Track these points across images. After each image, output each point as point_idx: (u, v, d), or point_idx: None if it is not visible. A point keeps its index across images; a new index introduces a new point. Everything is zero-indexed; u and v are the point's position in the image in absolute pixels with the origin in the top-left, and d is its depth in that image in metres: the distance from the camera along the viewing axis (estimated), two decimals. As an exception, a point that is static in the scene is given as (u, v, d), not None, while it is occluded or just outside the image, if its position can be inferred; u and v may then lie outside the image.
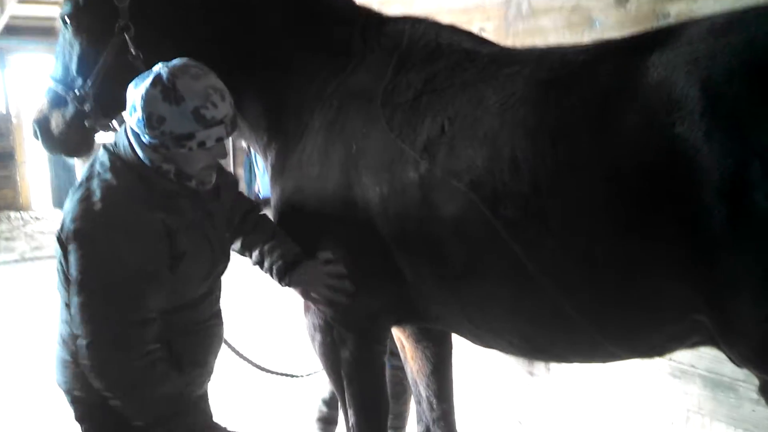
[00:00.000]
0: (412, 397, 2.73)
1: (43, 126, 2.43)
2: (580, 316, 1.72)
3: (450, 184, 1.83)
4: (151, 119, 1.82)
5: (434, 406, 2.62)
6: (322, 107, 2.21)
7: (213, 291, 2.19)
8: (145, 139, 1.87)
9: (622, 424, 3.00)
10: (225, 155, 1.96)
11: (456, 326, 2.18)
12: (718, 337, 1.59)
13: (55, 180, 10.22)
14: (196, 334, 2.12)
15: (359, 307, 2.17)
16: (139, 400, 1.93)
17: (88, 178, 1.97)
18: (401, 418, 3.48)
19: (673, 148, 1.47)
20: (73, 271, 1.87)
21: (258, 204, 2.37)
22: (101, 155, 2.01)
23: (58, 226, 1.97)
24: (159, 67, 1.87)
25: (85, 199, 1.91)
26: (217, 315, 2.22)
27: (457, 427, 2.69)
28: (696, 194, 1.44)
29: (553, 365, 3.28)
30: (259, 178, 6.39)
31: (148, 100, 1.82)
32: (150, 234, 1.90)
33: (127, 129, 1.94)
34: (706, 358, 2.63)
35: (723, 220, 1.42)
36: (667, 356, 2.76)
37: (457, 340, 2.47)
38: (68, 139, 2.44)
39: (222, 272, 2.21)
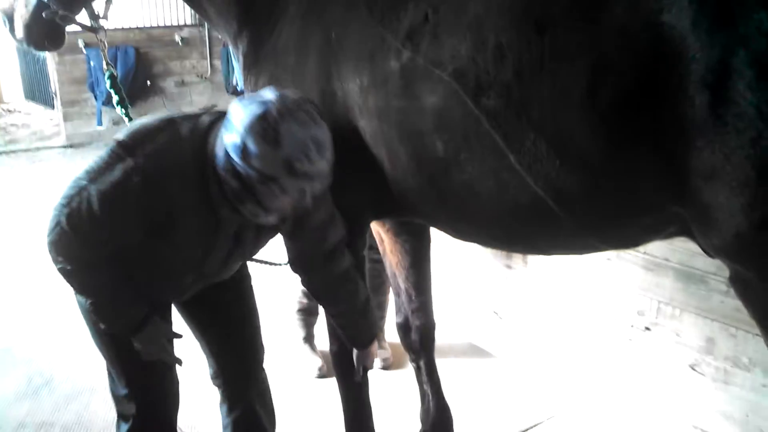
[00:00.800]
0: (391, 289, 2.78)
1: (9, 16, 2.34)
2: (560, 208, 1.73)
3: (433, 73, 1.79)
4: (244, 149, 1.73)
5: (413, 297, 2.67)
6: None
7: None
8: (233, 159, 1.77)
9: (595, 315, 3.09)
10: (306, 207, 1.86)
11: (435, 219, 2.18)
12: (694, 227, 1.61)
13: (27, 73, 9.92)
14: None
15: (339, 202, 2.16)
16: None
17: (182, 126, 1.92)
18: (380, 309, 3.57)
19: (659, 36, 1.44)
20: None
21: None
22: (205, 120, 1.94)
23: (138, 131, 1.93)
24: (272, 99, 1.76)
25: (167, 132, 1.89)
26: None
27: (435, 317, 2.75)
28: (680, 84, 1.43)
29: (531, 258, 3.34)
30: (236, 71, 6.25)
31: (248, 130, 1.72)
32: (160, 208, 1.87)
33: (222, 135, 1.84)
34: (680, 251, 2.68)
35: (705, 110, 1.41)
36: (642, 249, 2.82)
37: (435, 233, 2.49)
38: (32, 31, 2.34)
39: (208, 280, 2.18)
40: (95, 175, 1.83)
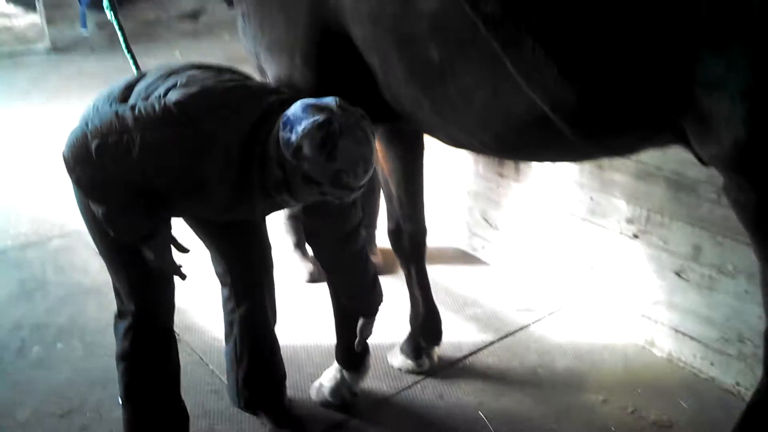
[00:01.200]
0: (383, 195, 2.78)
1: None
2: (557, 117, 1.70)
3: None
4: (298, 150, 1.79)
5: (405, 204, 2.67)
6: None
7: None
8: (284, 153, 1.82)
9: (584, 223, 3.11)
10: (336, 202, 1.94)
11: (428, 126, 2.15)
12: (691, 136, 1.60)
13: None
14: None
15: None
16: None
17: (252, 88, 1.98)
18: (372, 216, 3.58)
19: None
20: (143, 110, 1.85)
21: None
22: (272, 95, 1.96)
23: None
24: (336, 110, 1.81)
25: (222, 87, 1.92)
26: None
27: (426, 224, 2.77)
28: None
29: (523, 166, 3.33)
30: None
31: (306, 136, 1.78)
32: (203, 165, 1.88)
33: (280, 128, 1.85)
34: (672, 160, 2.67)
35: (711, 15, 1.38)
36: (634, 158, 2.81)
37: (428, 139, 2.47)
38: None
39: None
40: (145, 123, 1.82)
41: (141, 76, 2.10)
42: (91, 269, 3.62)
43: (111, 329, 3.08)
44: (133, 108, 1.85)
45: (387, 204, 2.75)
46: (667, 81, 1.52)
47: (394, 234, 2.75)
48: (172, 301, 2.27)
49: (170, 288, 2.23)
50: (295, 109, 1.83)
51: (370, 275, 2.32)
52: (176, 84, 1.92)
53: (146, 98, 1.94)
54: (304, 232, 2.26)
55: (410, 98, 2.00)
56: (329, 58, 2.07)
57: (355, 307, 2.41)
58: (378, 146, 2.59)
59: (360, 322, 2.40)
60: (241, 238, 2.36)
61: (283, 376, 2.58)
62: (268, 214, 2.24)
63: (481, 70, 1.76)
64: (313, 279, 3.50)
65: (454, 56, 1.79)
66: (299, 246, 3.63)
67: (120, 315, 2.25)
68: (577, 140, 1.78)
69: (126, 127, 1.81)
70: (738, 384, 2.67)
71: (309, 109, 1.81)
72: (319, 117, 1.78)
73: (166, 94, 1.89)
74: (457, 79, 1.83)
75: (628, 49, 1.53)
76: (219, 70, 2.06)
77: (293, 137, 1.78)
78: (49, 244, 3.92)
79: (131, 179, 1.87)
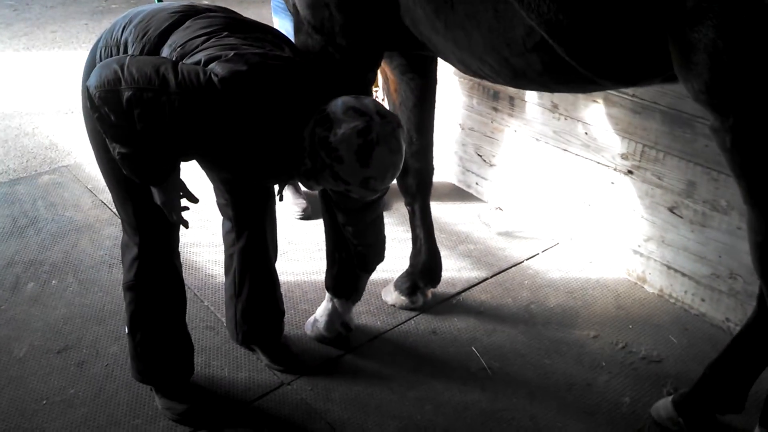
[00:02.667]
0: None
1: None
2: (554, 42, 1.69)
3: None
4: (334, 151, 1.80)
5: (414, 139, 2.64)
6: None
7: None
8: (318, 148, 1.83)
9: (579, 158, 3.09)
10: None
11: (444, 52, 2.13)
12: (677, 68, 1.60)
13: None
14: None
15: (356, 36, 2.13)
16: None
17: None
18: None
19: None
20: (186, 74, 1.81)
21: None
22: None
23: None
24: (375, 117, 1.82)
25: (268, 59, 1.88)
26: None
27: (434, 162, 2.77)
28: None
29: (517, 101, 3.28)
30: None
31: (344, 140, 1.79)
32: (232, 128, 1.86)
33: (317, 124, 1.84)
34: (669, 95, 2.64)
35: None
36: (631, 92, 2.77)
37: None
38: None
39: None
40: (186, 90, 1.78)
41: (176, 12, 2.04)
42: (83, 205, 3.60)
43: (105, 266, 3.14)
44: (175, 68, 1.81)
45: None
46: (657, 10, 1.52)
47: (401, 170, 2.73)
48: (176, 236, 2.27)
49: (175, 224, 2.23)
50: (336, 108, 1.83)
51: (381, 239, 2.40)
52: (220, 56, 1.86)
53: (183, 55, 1.90)
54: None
55: (426, 21, 2.00)
56: None
57: (360, 260, 2.47)
58: (390, 77, 2.55)
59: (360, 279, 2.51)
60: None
61: (282, 312, 2.61)
62: (286, 183, 2.26)
63: None
64: (306, 216, 3.49)
65: None
66: (291, 183, 3.60)
67: (126, 245, 2.26)
68: (576, 67, 1.77)
69: (165, 88, 1.79)
70: (728, 320, 2.71)
71: (350, 112, 1.81)
72: (360, 123, 1.79)
73: (208, 62, 1.84)
74: (464, 2, 1.84)
75: None
76: (257, 38, 2.01)
77: (331, 138, 1.79)
78: (39, 180, 3.88)
79: (156, 131, 1.85)
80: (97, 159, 2.16)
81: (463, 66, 2.12)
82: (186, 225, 2.12)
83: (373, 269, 2.52)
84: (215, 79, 1.79)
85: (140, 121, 1.81)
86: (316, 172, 1.88)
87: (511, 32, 1.79)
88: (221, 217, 2.50)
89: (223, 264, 2.56)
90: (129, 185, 2.09)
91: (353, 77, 2.20)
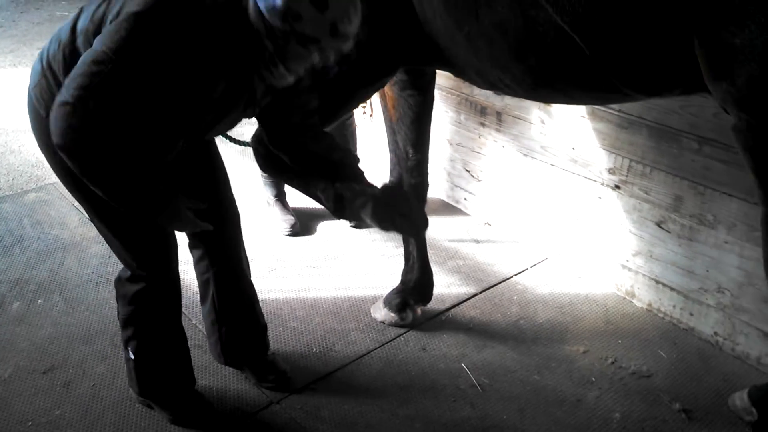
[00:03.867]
0: (388, 146, 2.75)
1: None
2: (586, 46, 1.73)
3: None
4: (287, 13, 1.70)
5: (410, 155, 2.65)
6: None
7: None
8: (270, 22, 1.73)
9: (566, 173, 3.10)
10: (325, 62, 1.86)
11: (461, 62, 2.15)
12: (706, 72, 1.63)
13: None
14: None
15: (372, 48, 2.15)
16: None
17: None
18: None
19: None
20: (108, 39, 1.73)
21: None
22: None
23: None
24: None
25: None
26: None
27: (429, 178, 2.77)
28: None
29: (504, 115, 3.29)
30: None
31: None
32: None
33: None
34: (655, 109, 2.65)
35: None
36: (617, 107, 2.78)
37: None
38: None
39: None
40: (117, 46, 1.71)
41: (77, 15, 1.97)
42: (69, 223, 3.58)
43: (92, 284, 3.12)
44: (96, 43, 1.74)
45: (390, 155, 2.74)
46: (689, 12, 1.56)
47: None
48: (176, 258, 2.25)
49: (172, 241, 2.22)
50: None
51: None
52: (124, 3, 1.81)
53: (97, 28, 1.83)
54: (269, 141, 2.20)
55: (446, 34, 2.01)
56: (374, 2, 2.05)
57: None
58: (389, 94, 2.56)
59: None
60: (213, 198, 2.32)
61: (264, 327, 2.58)
62: (237, 122, 2.16)
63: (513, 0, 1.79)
64: (294, 232, 3.48)
65: None
66: (279, 199, 3.59)
67: (129, 280, 2.22)
68: (605, 74, 1.80)
69: (103, 60, 1.71)
70: (716, 334, 2.72)
71: None
72: None
73: (118, 14, 1.79)
74: (491, 12, 1.85)
75: None
76: None
77: (278, 1, 1.71)
78: (26, 198, 3.85)
79: (137, 123, 1.79)
80: (79, 200, 2.10)
81: (480, 78, 2.13)
82: (210, 228, 2.09)
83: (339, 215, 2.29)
84: (131, 18, 1.73)
85: (115, 119, 1.74)
86: (282, 50, 1.79)
87: (542, 39, 1.81)
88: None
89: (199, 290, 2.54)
90: (113, 220, 2.06)
91: (353, 91, 2.22)
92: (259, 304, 2.56)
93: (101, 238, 2.25)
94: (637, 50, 1.72)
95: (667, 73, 1.79)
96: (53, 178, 4.05)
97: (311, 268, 2.68)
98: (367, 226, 3.20)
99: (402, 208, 2.14)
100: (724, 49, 1.55)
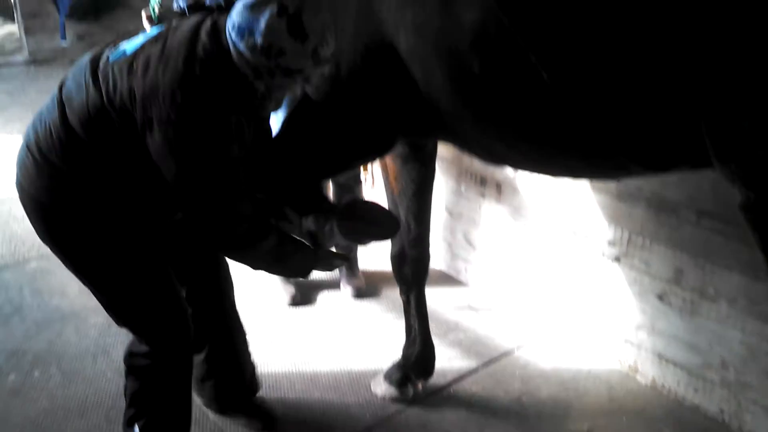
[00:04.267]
0: None
1: None
2: (597, 126, 1.73)
3: None
4: (270, 50, 1.73)
5: (411, 228, 2.65)
6: None
7: None
8: (253, 61, 1.77)
9: (566, 246, 3.10)
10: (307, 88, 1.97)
11: (467, 138, 2.16)
12: (714, 151, 1.62)
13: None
14: None
15: (372, 120, 2.17)
16: None
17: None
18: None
19: None
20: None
21: None
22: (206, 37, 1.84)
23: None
24: None
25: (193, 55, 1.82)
26: None
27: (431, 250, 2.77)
28: None
29: (504, 186, 3.31)
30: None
31: (271, 31, 1.71)
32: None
33: (232, 39, 1.78)
34: (653, 181, 2.67)
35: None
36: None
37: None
38: None
39: None
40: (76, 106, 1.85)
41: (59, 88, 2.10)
42: (69, 293, 3.56)
43: (89, 356, 3.08)
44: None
45: None
46: (699, 91, 1.56)
47: (398, 259, 2.73)
48: (190, 327, 2.23)
49: (182, 308, 2.20)
50: (239, 13, 1.76)
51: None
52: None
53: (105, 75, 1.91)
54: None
55: (451, 111, 2.02)
56: (374, 69, 2.08)
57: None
58: (390, 166, 2.58)
59: None
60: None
61: (254, 367, 2.60)
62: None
63: (519, 79, 1.78)
64: (295, 302, 3.46)
65: (493, 66, 1.81)
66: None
67: (144, 356, 2.21)
68: (613, 150, 1.80)
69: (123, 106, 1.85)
70: (722, 411, 2.67)
71: (254, 8, 1.74)
72: (272, 7, 1.72)
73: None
74: (496, 90, 1.85)
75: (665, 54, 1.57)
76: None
77: (258, 39, 1.73)
78: (27, 267, 3.85)
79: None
80: (85, 281, 2.19)
81: (487, 152, 2.14)
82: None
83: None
84: (136, 59, 1.83)
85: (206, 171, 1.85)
86: (271, 86, 1.83)
87: (552, 120, 1.81)
88: None
89: None
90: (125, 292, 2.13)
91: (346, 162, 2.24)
92: (248, 347, 2.58)
93: (100, 308, 2.25)
94: (648, 129, 1.73)
95: (677, 150, 1.79)
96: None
97: (310, 340, 2.66)
98: (350, 251, 3.24)
99: (368, 216, 2.18)
100: (732, 131, 1.54)
